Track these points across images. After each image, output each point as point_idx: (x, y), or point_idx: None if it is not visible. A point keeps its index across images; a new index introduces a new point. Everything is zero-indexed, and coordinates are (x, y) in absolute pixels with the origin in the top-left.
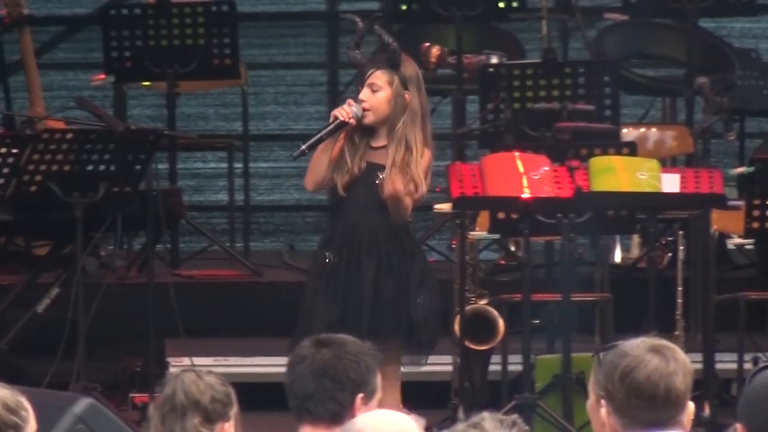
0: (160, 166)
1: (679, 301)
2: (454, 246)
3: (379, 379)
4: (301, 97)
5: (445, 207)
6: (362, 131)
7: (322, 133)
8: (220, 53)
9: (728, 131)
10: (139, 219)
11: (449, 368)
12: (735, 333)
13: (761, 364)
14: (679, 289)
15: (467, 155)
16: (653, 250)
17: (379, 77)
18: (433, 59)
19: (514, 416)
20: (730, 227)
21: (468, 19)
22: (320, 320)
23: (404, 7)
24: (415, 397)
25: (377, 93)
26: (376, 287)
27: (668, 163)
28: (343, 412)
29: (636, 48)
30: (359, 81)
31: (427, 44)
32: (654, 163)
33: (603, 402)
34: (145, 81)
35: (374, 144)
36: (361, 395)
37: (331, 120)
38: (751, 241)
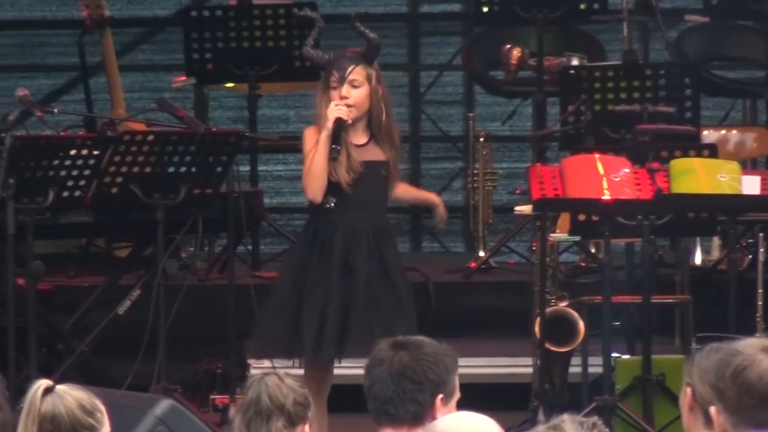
0: (241, 168)
1: (760, 303)
2: (534, 248)
3: (457, 379)
4: None
5: (525, 209)
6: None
7: (331, 138)
8: (302, 54)
9: None
10: (220, 221)
11: (529, 370)
12: None
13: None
14: (760, 291)
15: (548, 157)
16: (734, 252)
17: (359, 73)
18: (514, 61)
19: (594, 418)
20: None
21: (549, 21)
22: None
23: (485, 9)
24: (495, 398)
25: (358, 89)
26: (383, 286)
27: (749, 164)
28: (423, 413)
29: (717, 50)
30: (325, 78)
31: (508, 46)
32: (734, 165)
33: (711, 401)
34: (227, 83)
35: (357, 141)
36: (440, 396)
37: (332, 123)
38: None
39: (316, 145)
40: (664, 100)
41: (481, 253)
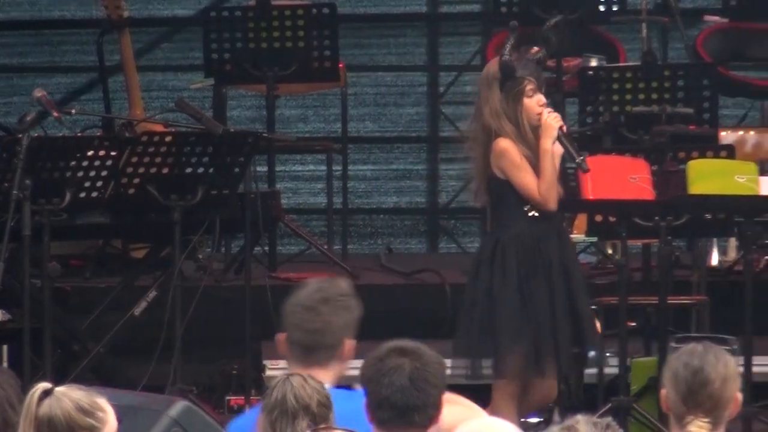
0: (258, 168)
1: None
2: None
3: None
4: (401, 99)
5: None
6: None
7: (569, 149)
8: (320, 55)
9: None
10: (238, 222)
11: None
12: None
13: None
14: None
15: (564, 158)
16: (750, 253)
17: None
18: None
19: (608, 419)
20: None
21: (567, 21)
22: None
23: (504, 10)
24: None
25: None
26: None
27: (767, 166)
28: (438, 415)
29: (736, 50)
30: (513, 86)
31: (527, 47)
32: (752, 166)
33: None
34: (245, 83)
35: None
36: (444, 396)
37: (560, 131)
38: None
39: (523, 157)
40: (682, 101)
41: None
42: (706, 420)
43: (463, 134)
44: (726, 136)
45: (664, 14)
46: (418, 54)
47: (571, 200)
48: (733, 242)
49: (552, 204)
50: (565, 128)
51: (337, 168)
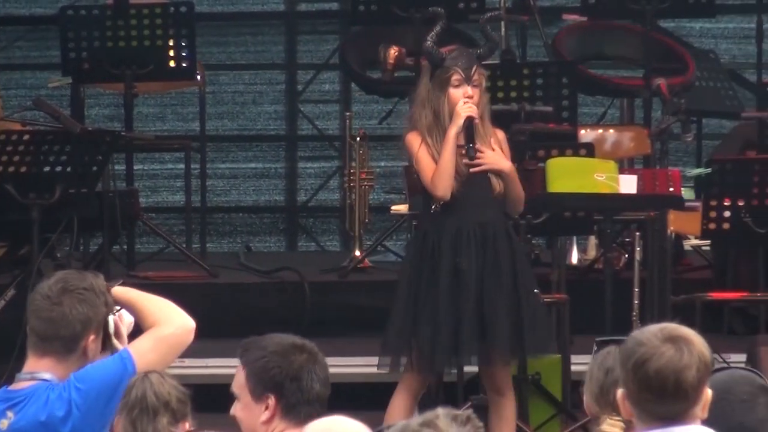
0: (117, 167)
1: (636, 302)
2: None
3: None
4: (259, 97)
5: (402, 208)
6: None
7: (465, 137)
8: (178, 54)
9: (686, 132)
10: (96, 220)
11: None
12: None
13: None
14: (636, 290)
15: None
16: (610, 251)
17: (480, 73)
18: (391, 60)
19: (468, 412)
20: (687, 228)
21: (426, 21)
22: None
23: (362, 8)
24: (371, 398)
25: (477, 89)
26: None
27: (626, 164)
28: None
29: (594, 49)
30: (441, 76)
31: (385, 45)
32: (611, 165)
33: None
34: (103, 82)
35: (461, 142)
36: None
37: (463, 121)
38: (707, 242)
39: (422, 146)
40: (541, 99)
41: (357, 253)
42: (617, 418)
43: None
44: (585, 135)
45: (524, 12)
46: (276, 52)
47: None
48: (593, 240)
49: (440, 191)
50: (477, 119)
51: (196, 166)
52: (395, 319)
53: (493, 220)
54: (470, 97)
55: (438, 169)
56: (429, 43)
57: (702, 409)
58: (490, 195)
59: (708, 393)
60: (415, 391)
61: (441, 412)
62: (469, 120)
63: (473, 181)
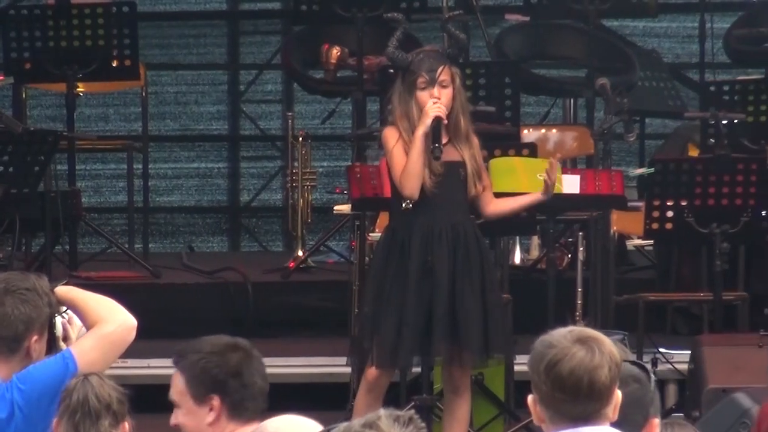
0: (59, 167)
1: (579, 302)
2: (353, 247)
3: None
4: (202, 97)
5: (344, 208)
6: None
7: (432, 137)
8: (120, 54)
9: (628, 132)
10: (38, 220)
11: (348, 370)
12: (634, 334)
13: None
14: (579, 290)
15: (367, 156)
16: (553, 251)
17: (447, 73)
18: (333, 60)
19: (411, 412)
20: (630, 228)
21: (368, 20)
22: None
23: (304, 8)
24: (314, 398)
25: (446, 89)
26: (466, 287)
27: (569, 164)
28: None
29: (537, 49)
30: (409, 78)
31: (327, 45)
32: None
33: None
34: (45, 82)
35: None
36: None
37: (431, 120)
38: (650, 242)
39: (398, 143)
40: (484, 99)
41: (300, 253)
42: None
43: None
44: (528, 134)
45: (466, 12)
46: (219, 52)
47: (373, 198)
48: (535, 240)
49: (407, 191)
50: (445, 119)
51: (138, 166)
52: (364, 314)
53: (463, 221)
54: (438, 98)
55: (406, 169)
56: (391, 48)
57: (613, 410)
58: (463, 197)
59: (618, 394)
60: (377, 387)
61: (383, 413)
62: (437, 120)
63: (447, 182)
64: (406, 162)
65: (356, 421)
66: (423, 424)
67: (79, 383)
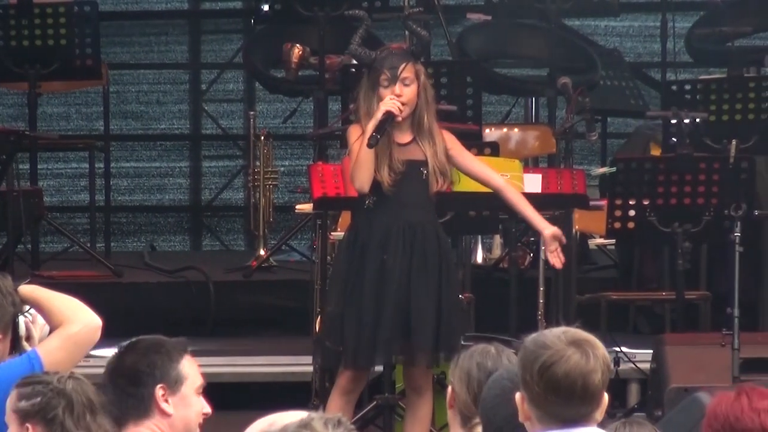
0: (20, 166)
1: (541, 301)
2: (315, 246)
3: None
4: (163, 96)
5: (306, 207)
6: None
7: (375, 127)
8: (82, 53)
9: (590, 131)
10: (0, 220)
11: (310, 368)
12: (596, 333)
13: None
14: (541, 289)
15: (329, 155)
16: (515, 250)
17: (410, 70)
18: (294, 59)
19: (339, 415)
20: (592, 227)
21: (330, 20)
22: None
23: (266, 8)
24: (276, 397)
25: (409, 87)
26: (430, 286)
27: (530, 163)
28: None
29: (499, 48)
30: (372, 76)
31: (289, 44)
32: (516, 164)
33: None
34: (7, 81)
35: (400, 140)
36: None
37: (382, 115)
38: (612, 241)
39: (358, 140)
40: (445, 98)
41: (262, 252)
42: None
43: None
44: (490, 134)
45: (427, 11)
46: (180, 51)
47: (334, 198)
48: (497, 239)
49: (356, 183)
50: (399, 117)
51: (100, 166)
52: (328, 313)
53: (423, 220)
54: (398, 96)
55: (356, 161)
56: (354, 45)
57: (600, 412)
58: (424, 195)
59: (606, 397)
60: (347, 388)
61: (315, 416)
62: (387, 114)
63: (408, 181)
64: (357, 156)
65: (293, 422)
66: (352, 427)
67: (73, 383)
